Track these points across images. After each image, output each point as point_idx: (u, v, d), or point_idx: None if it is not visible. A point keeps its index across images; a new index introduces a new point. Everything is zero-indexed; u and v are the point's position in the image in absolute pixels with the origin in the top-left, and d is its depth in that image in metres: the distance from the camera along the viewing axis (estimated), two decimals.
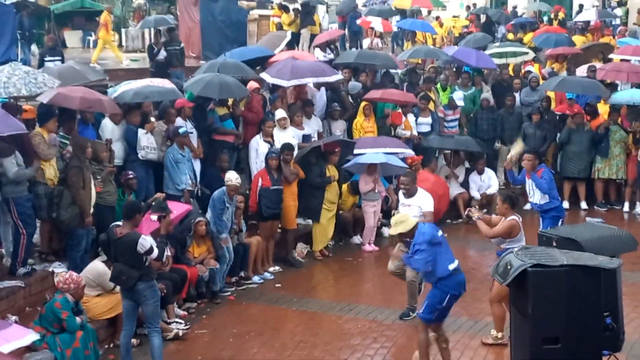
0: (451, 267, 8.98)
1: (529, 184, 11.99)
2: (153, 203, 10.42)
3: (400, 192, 11.85)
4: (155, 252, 9.12)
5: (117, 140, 12.28)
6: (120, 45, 30.71)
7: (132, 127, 12.36)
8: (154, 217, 10.20)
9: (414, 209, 11.37)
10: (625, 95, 16.78)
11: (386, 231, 14.57)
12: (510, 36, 25.73)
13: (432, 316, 9.05)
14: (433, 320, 9.09)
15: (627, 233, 7.84)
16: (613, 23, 28.86)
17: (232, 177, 12.02)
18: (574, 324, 6.43)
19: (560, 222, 11.73)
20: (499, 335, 10.09)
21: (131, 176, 11.83)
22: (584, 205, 16.67)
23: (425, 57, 18.45)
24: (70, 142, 11.24)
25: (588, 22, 27.17)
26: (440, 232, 9.21)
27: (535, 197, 11.93)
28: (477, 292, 11.68)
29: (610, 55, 20.33)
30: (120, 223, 9.33)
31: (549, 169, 12.51)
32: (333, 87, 15.76)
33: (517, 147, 12.61)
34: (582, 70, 18.85)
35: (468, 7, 34.20)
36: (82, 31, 32.70)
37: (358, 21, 26.70)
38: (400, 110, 15.73)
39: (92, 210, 10.86)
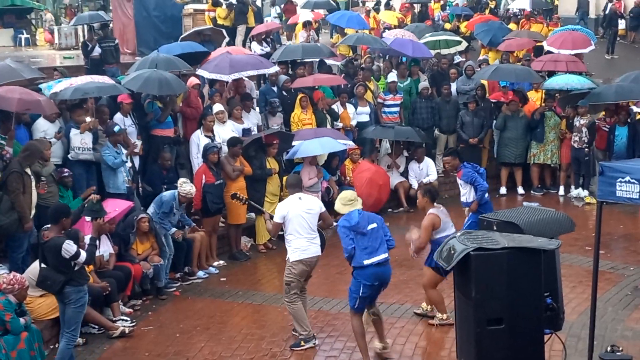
0: (367, 262, 9.05)
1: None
2: (86, 205, 10.29)
3: None
4: (83, 256, 9.01)
5: (53, 138, 12.08)
6: (53, 43, 30.29)
7: (72, 125, 12.19)
8: (88, 219, 10.10)
9: None
10: (561, 80, 17.08)
11: None
12: (447, 25, 26.00)
13: (355, 304, 9.20)
14: (357, 308, 9.22)
15: (564, 215, 7.98)
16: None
17: (189, 189, 11.94)
18: (516, 305, 6.55)
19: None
20: (444, 316, 10.30)
21: (66, 174, 11.64)
22: (520, 190, 17.04)
23: (355, 44, 18.58)
24: (23, 148, 10.94)
25: (521, 10, 27.61)
26: (372, 225, 9.20)
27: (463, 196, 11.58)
28: (419, 279, 11.83)
29: (544, 45, 20.63)
30: (49, 226, 9.24)
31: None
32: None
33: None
34: None
35: None
36: (13, 29, 32.14)
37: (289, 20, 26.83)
38: (322, 93, 15.92)
39: (33, 211, 10.68)
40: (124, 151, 12.45)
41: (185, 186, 11.97)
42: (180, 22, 24.47)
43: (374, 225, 9.23)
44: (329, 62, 17.82)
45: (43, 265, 9.16)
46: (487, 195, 11.40)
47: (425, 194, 10.34)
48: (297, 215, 9.86)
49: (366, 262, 9.07)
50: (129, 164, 12.56)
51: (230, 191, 13.12)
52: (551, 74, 18.02)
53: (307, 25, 24.14)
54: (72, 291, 9.03)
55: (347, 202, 9.29)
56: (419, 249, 10.25)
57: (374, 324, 9.57)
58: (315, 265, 10.12)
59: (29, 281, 9.50)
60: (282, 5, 29.57)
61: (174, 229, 11.97)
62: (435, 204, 10.29)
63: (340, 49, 20.46)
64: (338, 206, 9.37)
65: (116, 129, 12.45)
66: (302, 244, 9.85)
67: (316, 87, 16.05)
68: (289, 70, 16.84)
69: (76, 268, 9.02)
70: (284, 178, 14.19)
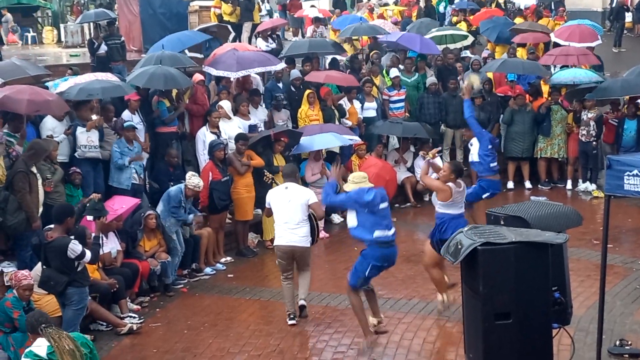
0: (376, 234, 9.21)
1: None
2: (88, 204, 10.27)
3: None
4: (88, 256, 8.99)
5: (62, 135, 12.10)
6: (59, 41, 30.30)
7: (78, 123, 12.18)
8: (90, 218, 10.09)
9: None
10: (568, 75, 17.02)
11: (335, 218, 14.70)
12: (454, 19, 25.90)
13: (357, 283, 9.46)
14: (358, 286, 9.49)
15: (572, 209, 7.99)
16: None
17: (197, 182, 12.00)
18: (524, 299, 6.56)
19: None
20: (444, 296, 10.39)
21: (70, 171, 11.63)
22: (528, 184, 17.01)
23: (352, 35, 18.72)
24: (28, 147, 10.97)
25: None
26: (383, 205, 9.33)
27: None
28: (427, 274, 11.81)
29: (551, 37, 20.52)
30: (52, 226, 9.21)
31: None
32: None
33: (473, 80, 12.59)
34: None
35: None
36: (20, 27, 32.15)
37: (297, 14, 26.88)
38: (329, 88, 15.88)
39: (41, 209, 10.67)
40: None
41: (194, 179, 11.99)
42: (186, 19, 24.47)
43: (385, 204, 9.41)
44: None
45: (44, 266, 9.15)
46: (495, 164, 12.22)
47: (451, 169, 10.18)
48: (278, 204, 10.29)
49: (377, 233, 9.20)
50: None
51: (238, 187, 13.16)
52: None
53: (317, 21, 24.19)
54: (75, 292, 9.02)
55: (360, 180, 9.43)
56: (421, 178, 10.95)
57: (368, 299, 9.85)
58: (295, 255, 10.35)
59: (37, 279, 9.52)
60: (288, 2, 29.51)
61: (191, 215, 11.99)
62: (458, 181, 10.15)
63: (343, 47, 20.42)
64: (348, 186, 9.47)
65: (126, 124, 12.49)
66: (278, 231, 10.36)
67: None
68: (302, 66, 16.84)
69: (79, 268, 9.01)
70: None
